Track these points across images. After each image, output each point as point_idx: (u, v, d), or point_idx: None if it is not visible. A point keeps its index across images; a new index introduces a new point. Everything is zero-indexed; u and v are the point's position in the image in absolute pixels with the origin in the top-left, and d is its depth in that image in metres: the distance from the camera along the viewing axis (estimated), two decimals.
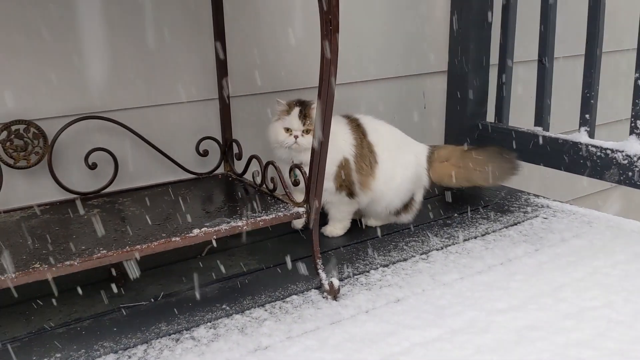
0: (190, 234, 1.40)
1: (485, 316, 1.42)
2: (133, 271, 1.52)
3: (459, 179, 1.96)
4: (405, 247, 1.83)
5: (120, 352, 1.32)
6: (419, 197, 1.98)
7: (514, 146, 2.18)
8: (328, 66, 1.36)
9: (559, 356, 1.26)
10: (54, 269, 1.26)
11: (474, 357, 1.26)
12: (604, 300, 1.48)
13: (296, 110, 1.69)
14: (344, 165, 1.77)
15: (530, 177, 2.51)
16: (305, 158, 1.59)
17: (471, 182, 1.97)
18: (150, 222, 1.50)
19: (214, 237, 1.42)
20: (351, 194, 1.82)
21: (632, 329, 1.36)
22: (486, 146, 2.01)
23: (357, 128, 1.82)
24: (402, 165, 1.88)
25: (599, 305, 1.45)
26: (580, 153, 1.98)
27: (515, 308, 1.46)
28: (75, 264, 1.28)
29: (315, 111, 1.65)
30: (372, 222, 1.98)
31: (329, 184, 1.76)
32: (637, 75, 1.87)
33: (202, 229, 1.42)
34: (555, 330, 1.36)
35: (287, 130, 1.69)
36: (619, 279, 1.58)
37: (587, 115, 2.01)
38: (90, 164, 1.68)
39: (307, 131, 1.68)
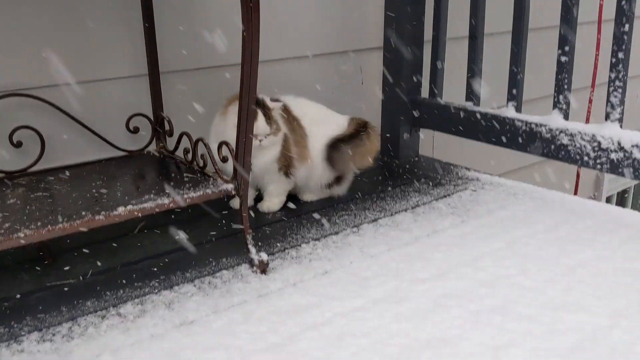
0: (115, 212, 1.40)
1: (406, 286, 1.48)
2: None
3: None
4: (337, 220, 1.87)
5: (44, 330, 1.32)
6: None
7: (446, 120, 2.24)
8: (250, 44, 1.36)
9: (471, 322, 1.33)
10: None
11: (391, 325, 1.32)
12: (519, 269, 1.55)
13: (260, 116, 1.70)
14: (284, 142, 1.81)
15: (463, 151, 2.59)
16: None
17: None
18: (76, 201, 1.49)
19: (139, 215, 1.43)
20: (287, 174, 1.85)
21: (543, 295, 1.44)
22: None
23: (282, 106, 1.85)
24: (328, 136, 1.91)
25: (514, 273, 1.53)
26: (507, 127, 2.05)
27: (436, 277, 1.52)
28: None
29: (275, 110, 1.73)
30: (307, 197, 2.01)
31: (273, 165, 1.81)
32: (559, 51, 1.93)
33: (127, 207, 1.42)
34: (470, 297, 1.43)
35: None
36: (536, 248, 1.66)
37: (514, 91, 2.07)
38: (14, 142, 1.65)
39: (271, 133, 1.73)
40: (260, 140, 1.71)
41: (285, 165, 1.83)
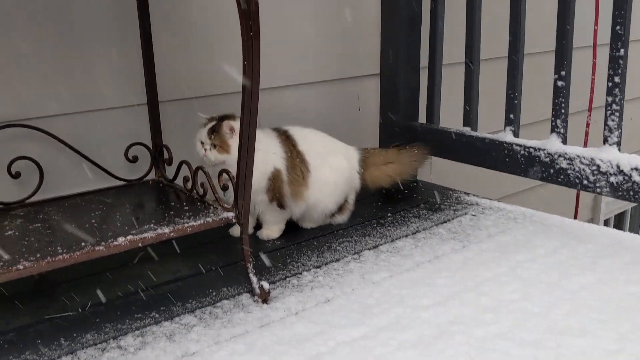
0: (115, 243, 1.39)
1: (410, 313, 1.47)
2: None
3: (395, 175, 2.08)
4: (338, 247, 1.86)
5: None
6: (352, 199, 2.03)
7: (444, 146, 2.25)
8: (250, 72, 1.37)
9: (477, 349, 1.31)
10: None
11: (396, 353, 1.30)
12: (522, 293, 1.54)
13: (210, 125, 1.72)
14: (275, 178, 1.80)
15: (461, 175, 2.59)
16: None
17: (404, 174, 2.11)
18: (75, 231, 1.48)
19: (140, 245, 1.42)
20: (281, 206, 1.85)
21: (547, 320, 1.42)
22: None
23: (287, 139, 1.86)
24: (334, 169, 1.92)
25: (517, 298, 1.52)
26: (505, 152, 2.06)
27: (439, 304, 1.50)
28: None
29: (224, 128, 1.69)
30: (307, 225, 2.01)
31: (262, 196, 1.81)
32: (555, 76, 1.95)
33: (127, 237, 1.41)
34: (475, 323, 1.41)
35: (201, 143, 1.73)
36: (537, 272, 1.65)
37: (511, 115, 2.09)
38: (13, 173, 1.64)
39: (214, 145, 1.70)
40: (205, 150, 1.70)
41: (277, 199, 1.83)
